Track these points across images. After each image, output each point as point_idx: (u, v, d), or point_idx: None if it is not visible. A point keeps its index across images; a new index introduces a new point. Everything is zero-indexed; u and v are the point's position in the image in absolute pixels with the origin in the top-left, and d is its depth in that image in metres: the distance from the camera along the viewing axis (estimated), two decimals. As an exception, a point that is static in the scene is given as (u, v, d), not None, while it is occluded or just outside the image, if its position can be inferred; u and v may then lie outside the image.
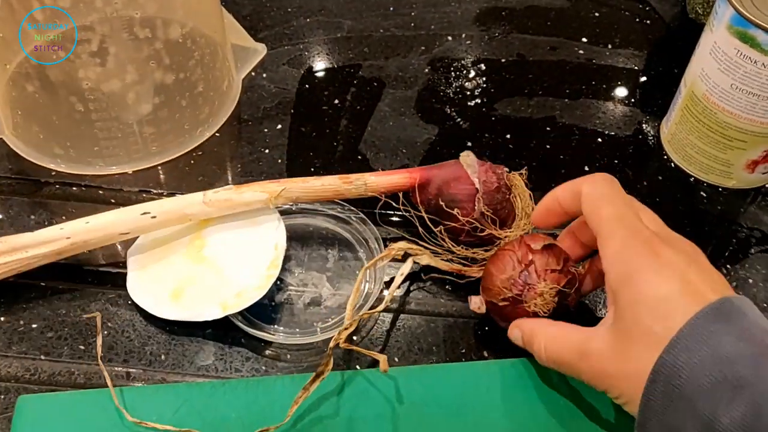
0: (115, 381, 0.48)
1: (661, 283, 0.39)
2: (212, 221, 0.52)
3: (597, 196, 0.44)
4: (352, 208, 0.55)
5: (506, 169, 0.53)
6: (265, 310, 0.51)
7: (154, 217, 0.51)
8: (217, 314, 0.48)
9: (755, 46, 0.51)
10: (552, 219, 0.48)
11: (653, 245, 0.40)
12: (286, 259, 0.53)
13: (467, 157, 0.53)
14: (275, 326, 0.50)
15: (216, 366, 0.49)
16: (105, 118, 0.56)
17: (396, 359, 0.49)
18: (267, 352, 0.49)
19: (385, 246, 0.53)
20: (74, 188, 0.58)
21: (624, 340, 0.39)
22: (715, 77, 0.55)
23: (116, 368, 0.48)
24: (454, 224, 0.51)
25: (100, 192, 0.58)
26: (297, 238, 0.55)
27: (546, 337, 0.44)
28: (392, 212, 0.55)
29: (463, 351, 0.50)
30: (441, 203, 0.51)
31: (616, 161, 0.62)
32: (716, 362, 0.35)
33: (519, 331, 0.46)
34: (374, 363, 0.47)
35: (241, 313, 0.49)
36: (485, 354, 0.50)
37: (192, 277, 0.50)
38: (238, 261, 0.51)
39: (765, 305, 0.53)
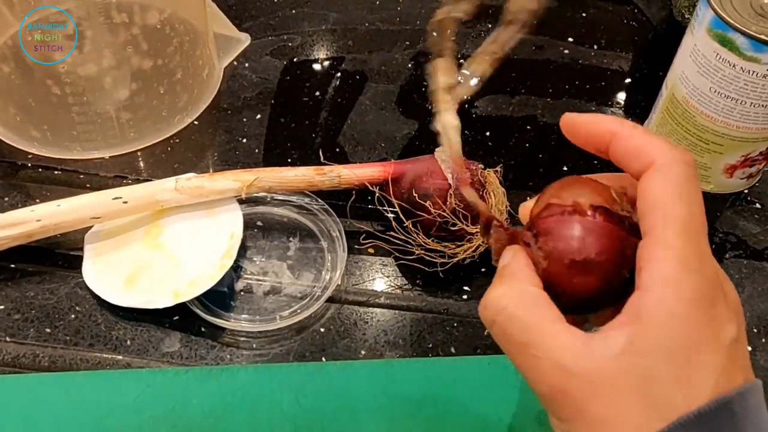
0: (80, 365, 0.48)
1: (706, 352, 0.30)
2: (171, 209, 0.52)
3: (675, 182, 0.32)
4: (317, 198, 0.55)
5: (481, 165, 0.52)
6: (225, 298, 0.51)
7: (125, 202, 0.51)
8: (169, 302, 0.48)
9: (734, 49, 0.51)
10: (581, 140, 0.36)
11: (712, 291, 0.31)
12: (247, 247, 0.53)
13: (442, 153, 0.52)
14: (234, 314, 0.50)
15: (181, 353, 0.48)
16: (82, 102, 0.56)
17: (362, 352, 0.49)
18: (232, 340, 0.49)
19: (349, 240, 0.53)
20: (51, 172, 0.58)
21: (627, 381, 0.30)
22: (695, 80, 0.54)
23: (81, 352, 0.48)
24: (426, 216, 0.51)
25: (77, 176, 0.58)
26: (259, 227, 0.55)
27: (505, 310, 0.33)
28: (365, 205, 0.55)
29: (430, 346, 0.50)
30: (414, 197, 0.51)
31: (596, 162, 0.61)
32: None
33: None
34: (336, 357, 0.48)
35: (200, 300, 0.49)
36: (452, 350, 0.50)
37: (146, 264, 0.50)
38: (193, 249, 0.50)
39: (736, 310, 0.53)
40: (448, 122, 0.35)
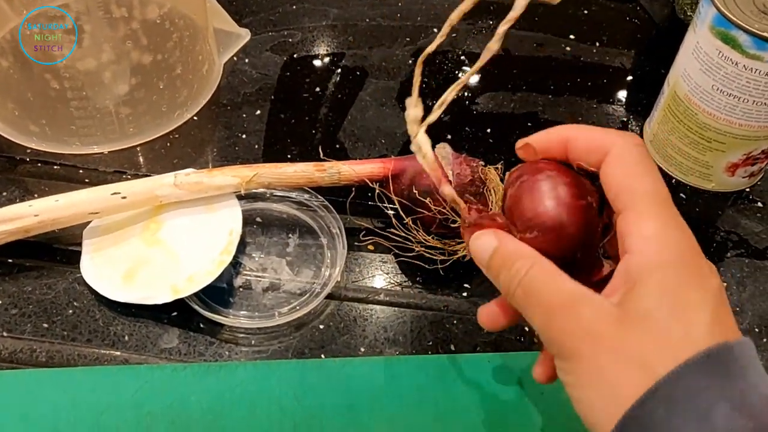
0: (77, 360, 0.47)
1: (694, 295, 0.33)
2: (170, 205, 0.52)
3: (631, 162, 0.36)
4: (317, 195, 0.54)
5: (482, 162, 0.52)
6: (224, 294, 0.51)
7: (124, 197, 0.50)
8: (168, 298, 0.48)
9: (736, 47, 0.50)
10: (545, 154, 0.39)
11: (693, 247, 0.34)
12: (246, 243, 0.53)
13: (442, 149, 0.52)
14: (233, 310, 0.50)
15: (179, 349, 0.48)
16: (81, 96, 0.55)
17: (361, 349, 0.49)
18: (231, 336, 0.49)
19: (349, 237, 0.53)
20: (49, 167, 0.58)
21: (628, 322, 0.32)
22: (697, 78, 0.54)
23: (79, 347, 0.48)
24: (425, 213, 0.50)
25: (75, 171, 0.58)
26: (258, 223, 0.55)
27: (538, 265, 0.35)
28: (365, 202, 0.55)
29: (430, 344, 0.50)
30: (414, 193, 0.51)
31: (596, 159, 0.61)
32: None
33: (495, 241, 0.37)
34: (335, 354, 0.47)
35: (199, 296, 0.49)
36: (452, 348, 0.49)
37: (145, 260, 0.50)
38: (191, 245, 0.50)
39: (737, 309, 0.52)
40: (421, 141, 0.39)
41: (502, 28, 0.38)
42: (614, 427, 0.31)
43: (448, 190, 0.40)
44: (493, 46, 0.38)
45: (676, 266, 0.33)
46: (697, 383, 0.30)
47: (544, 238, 0.37)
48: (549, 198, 0.37)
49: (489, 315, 0.40)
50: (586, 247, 0.38)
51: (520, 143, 0.40)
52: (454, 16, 0.38)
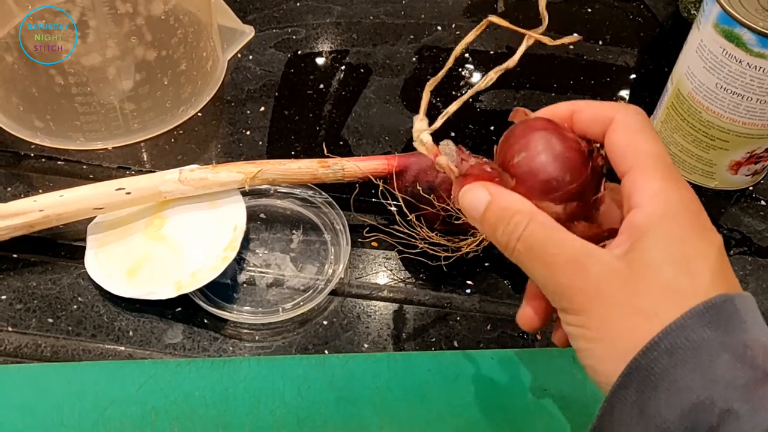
0: (82, 355, 0.48)
1: (698, 246, 0.33)
2: (174, 201, 0.52)
3: (635, 128, 0.36)
4: (321, 191, 0.55)
5: (485, 159, 0.52)
6: (228, 289, 0.51)
7: (128, 193, 0.51)
8: (172, 293, 0.48)
9: (740, 45, 0.50)
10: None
11: (697, 204, 0.35)
12: (250, 239, 0.53)
13: (446, 146, 0.52)
14: (237, 306, 0.50)
15: (184, 344, 0.48)
16: (85, 92, 0.55)
17: (365, 345, 0.49)
18: (234, 332, 0.49)
19: (352, 231, 0.53)
20: (53, 162, 0.58)
21: (635, 274, 0.33)
22: (701, 76, 0.54)
23: (84, 342, 0.48)
24: (429, 210, 0.50)
25: (80, 167, 0.58)
26: (262, 219, 0.55)
27: (536, 219, 0.35)
28: (368, 199, 0.55)
29: (433, 340, 0.50)
30: (418, 190, 0.51)
31: (599, 157, 0.61)
32: (704, 382, 0.30)
33: (487, 195, 0.36)
34: (338, 350, 0.47)
35: (203, 292, 0.49)
36: (455, 344, 0.49)
37: (149, 255, 0.50)
38: (196, 241, 0.50)
39: (740, 306, 0.53)
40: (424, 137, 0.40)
41: (495, 74, 0.40)
42: (619, 376, 0.31)
43: (442, 160, 0.40)
44: (485, 82, 0.40)
45: (681, 219, 0.34)
46: (700, 334, 0.31)
47: (540, 186, 0.36)
48: (542, 147, 0.37)
49: (523, 317, 0.40)
50: (582, 200, 0.37)
51: (514, 111, 0.41)
52: (458, 49, 0.39)
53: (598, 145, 0.37)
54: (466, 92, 0.40)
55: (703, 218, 0.34)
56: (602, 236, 0.37)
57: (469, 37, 0.39)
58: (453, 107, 0.40)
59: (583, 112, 0.38)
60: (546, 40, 0.40)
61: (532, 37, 0.40)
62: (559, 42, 0.39)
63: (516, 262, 0.36)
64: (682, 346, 0.30)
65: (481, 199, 0.36)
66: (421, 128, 0.40)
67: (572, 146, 0.37)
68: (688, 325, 0.31)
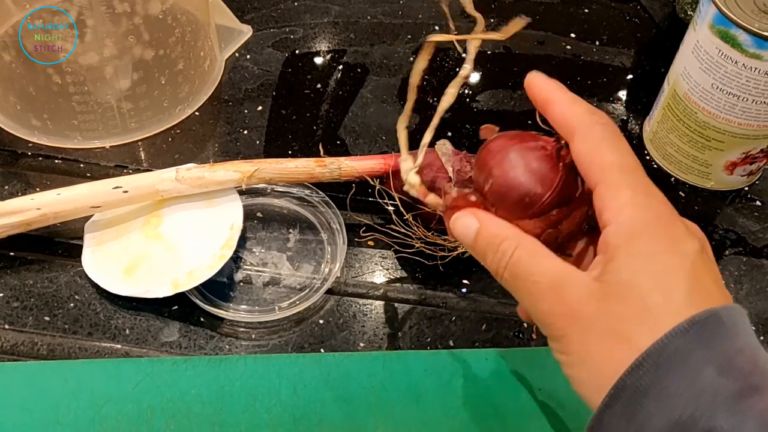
0: (78, 353, 0.48)
1: (670, 260, 0.32)
2: (171, 200, 0.52)
3: (597, 138, 0.35)
4: (318, 190, 0.55)
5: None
6: (224, 288, 0.51)
7: (125, 191, 0.51)
8: (168, 292, 0.48)
9: (736, 46, 0.51)
10: (535, 102, 0.39)
11: (668, 212, 0.34)
12: (247, 238, 0.53)
13: (443, 146, 0.52)
14: (234, 304, 0.50)
15: (180, 343, 0.48)
16: (83, 91, 0.56)
17: (361, 344, 0.49)
18: (231, 330, 0.49)
19: (348, 231, 0.53)
20: (51, 161, 0.58)
21: (608, 296, 0.32)
22: (697, 76, 0.54)
23: (80, 341, 0.48)
24: (426, 209, 0.51)
25: (77, 165, 0.58)
26: (259, 218, 0.55)
27: (522, 246, 0.35)
28: (365, 198, 0.55)
29: (429, 340, 0.50)
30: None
31: (596, 157, 0.62)
32: (692, 393, 0.30)
33: (476, 222, 0.37)
34: (334, 349, 0.48)
35: (199, 290, 0.49)
36: (450, 344, 0.50)
37: (146, 254, 0.50)
38: (192, 239, 0.51)
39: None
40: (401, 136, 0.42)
41: (455, 88, 0.42)
42: (606, 396, 0.31)
43: (431, 200, 0.41)
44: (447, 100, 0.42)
45: (650, 234, 0.33)
46: (682, 349, 0.30)
47: (515, 207, 0.37)
48: (507, 167, 0.37)
49: (523, 311, 0.41)
50: (563, 202, 0.37)
51: (482, 129, 0.42)
52: (415, 79, 0.42)
53: (564, 141, 0.37)
54: (463, 92, 0.41)
55: (675, 228, 0.33)
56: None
57: (420, 64, 0.41)
58: (427, 137, 0.42)
59: (553, 111, 0.37)
60: (494, 35, 0.40)
61: (477, 38, 0.40)
62: (510, 32, 0.40)
63: (506, 287, 0.36)
64: (666, 362, 0.30)
65: (470, 227, 0.37)
66: (408, 168, 0.41)
67: (536, 156, 0.37)
68: (671, 342, 0.30)
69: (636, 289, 0.32)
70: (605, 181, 0.34)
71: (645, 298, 0.32)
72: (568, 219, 0.37)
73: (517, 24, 0.40)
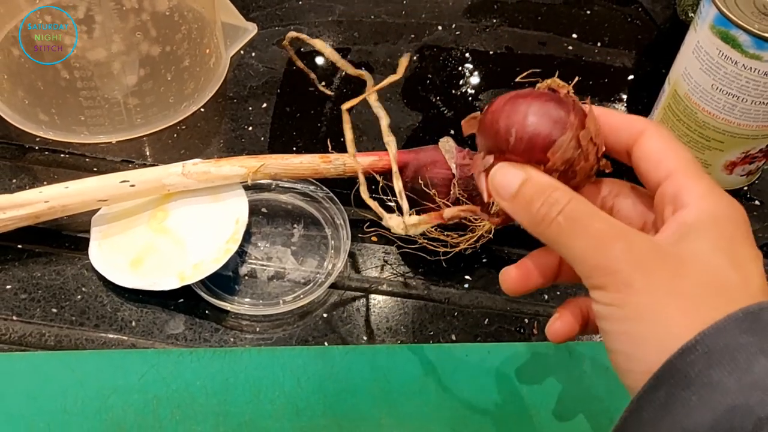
0: (85, 344, 0.48)
1: (748, 250, 0.34)
2: (177, 194, 0.53)
3: (671, 137, 0.37)
4: (322, 186, 0.55)
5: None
6: (230, 281, 0.52)
7: (132, 185, 0.51)
8: (175, 284, 0.49)
9: (736, 47, 0.51)
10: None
11: (744, 212, 0.35)
12: (252, 233, 0.54)
13: (446, 143, 0.53)
14: (238, 298, 0.51)
15: (185, 335, 0.49)
16: (90, 87, 0.56)
17: (364, 338, 0.50)
18: (236, 323, 0.50)
19: (352, 226, 0.54)
20: (57, 155, 0.59)
21: (685, 263, 0.33)
22: (697, 77, 0.55)
23: (87, 332, 0.49)
24: (429, 205, 0.51)
25: (84, 160, 0.59)
26: (264, 213, 0.56)
27: (577, 197, 0.35)
28: (370, 194, 0.56)
29: (432, 334, 0.50)
30: (419, 185, 0.51)
31: (597, 157, 0.62)
32: (741, 386, 0.29)
33: (522, 173, 0.36)
34: (337, 342, 0.48)
35: (205, 284, 0.50)
36: (453, 338, 0.50)
37: (152, 247, 0.51)
38: (198, 233, 0.51)
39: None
40: (413, 220, 0.41)
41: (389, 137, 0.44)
42: (651, 377, 0.31)
43: (449, 213, 0.41)
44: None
45: (731, 221, 0.34)
46: (737, 339, 0.30)
47: (542, 153, 0.37)
48: (532, 113, 0.37)
49: (518, 274, 0.40)
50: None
51: (465, 122, 0.42)
52: (351, 150, 0.44)
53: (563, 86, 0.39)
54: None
55: (748, 225, 0.35)
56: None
57: (349, 134, 0.45)
58: (397, 185, 0.43)
59: (612, 117, 0.38)
60: (391, 79, 0.44)
61: (376, 89, 0.43)
62: (402, 70, 0.43)
63: (549, 236, 0.35)
64: (719, 350, 0.30)
65: (515, 176, 0.36)
66: (397, 222, 0.41)
67: (548, 102, 0.37)
68: (727, 329, 0.30)
69: (716, 264, 0.33)
70: (684, 169, 0.36)
71: (724, 275, 0.32)
72: (585, 160, 0.37)
73: (405, 60, 0.43)
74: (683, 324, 0.31)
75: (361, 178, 0.43)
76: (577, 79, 0.41)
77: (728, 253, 0.33)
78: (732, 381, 0.29)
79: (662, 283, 0.32)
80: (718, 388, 0.29)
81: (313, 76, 0.45)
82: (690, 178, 0.35)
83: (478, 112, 0.42)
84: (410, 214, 0.41)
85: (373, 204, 0.41)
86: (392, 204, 0.53)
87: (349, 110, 0.64)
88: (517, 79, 0.43)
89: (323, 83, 0.66)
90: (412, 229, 0.41)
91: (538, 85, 0.40)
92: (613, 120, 0.38)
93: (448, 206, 0.51)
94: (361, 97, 0.42)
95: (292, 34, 0.42)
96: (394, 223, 0.41)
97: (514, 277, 0.40)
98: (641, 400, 0.31)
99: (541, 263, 0.40)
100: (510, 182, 0.36)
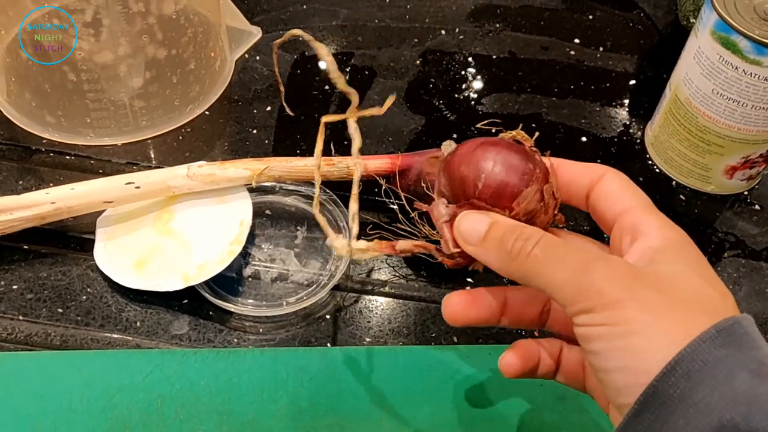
0: (91, 344, 0.49)
1: (710, 270, 0.35)
2: (182, 196, 0.53)
3: (627, 181, 0.40)
4: (326, 189, 0.56)
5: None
6: (234, 283, 0.52)
7: (138, 187, 0.52)
8: (179, 285, 0.49)
9: (737, 52, 0.52)
10: None
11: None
12: (256, 235, 0.54)
13: (449, 146, 0.53)
14: (242, 299, 0.51)
15: (190, 336, 0.50)
16: (97, 89, 0.57)
17: (366, 340, 0.50)
18: (239, 324, 0.50)
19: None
20: (64, 157, 0.59)
21: (664, 282, 0.34)
22: (698, 82, 0.56)
23: (93, 332, 0.49)
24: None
25: (89, 162, 0.59)
26: (268, 215, 0.56)
27: (547, 234, 0.37)
28: (372, 197, 0.56)
29: (434, 335, 0.51)
30: (421, 188, 0.52)
31: (598, 161, 0.63)
32: (726, 402, 0.29)
33: (487, 218, 0.39)
34: (340, 344, 0.49)
35: (209, 285, 0.50)
36: (455, 339, 0.51)
37: (157, 248, 0.51)
38: (203, 235, 0.52)
39: (733, 307, 0.54)
40: (360, 245, 0.42)
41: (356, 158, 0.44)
42: (635, 403, 0.31)
43: (403, 246, 0.43)
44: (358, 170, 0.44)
45: (692, 246, 0.36)
46: (714, 355, 0.30)
47: (509, 201, 0.39)
48: (498, 162, 0.40)
49: (458, 304, 0.41)
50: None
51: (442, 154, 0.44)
52: (317, 162, 0.45)
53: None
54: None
55: (702, 257, 0.37)
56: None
57: (320, 146, 0.45)
58: (353, 206, 0.43)
59: (573, 166, 0.42)
60: (373, 111, 0.44)
61: (354, 117, 0.44)
62: (386, 107, 0.43)
63: (526, 270, 0.36)
64: (698, 369, 0.30)
65: (481, 222, 0.39)
66: (342, 244, 0.42)
67: (511, 152, 0.40)
68: (703, 346, 0.31)
69: (694, 282, 0.34)
70: (642, 206, 0.38)
71: (703, 290, 0.34)
72: (545, 213, 0.40)
73: (390, 100, 0.44)
74: (680, 330, 0.32)
75: (317, 194, 0.43)
76: (537, 134, 0.43)
77: (700, 273, 0.35)
78: (715, 398, 0.30)
79: (650, 297, 0.33)
80: (702, 407, 0.30)
81: (282, 89, 0.46)
82: (647, 212, 0.38)
83: (441, 152, 0.44)
84: (359, 239, 0.42)
85: (322, 221, 0.42)
86: (395, 207, 0.53)
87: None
88: (479, 125, 0.47)
89: (327, 87, 0.67)
90: (358, 254, 0.42)
91: (502, 135, 0.43)
92: (575, 168, 0.42)
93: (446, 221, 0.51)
94: (342, 116, 0.43)
95: (295, 32, 0.43)
96: (339, 244, 0.41)
97: (456, 302, 0.41)
98: (627, 427, 0.31)
99: (485, 301, 0.42)
100: (477, 228, 0.38)
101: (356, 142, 0.43)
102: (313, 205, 0.43)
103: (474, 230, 0.39)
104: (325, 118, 0.43)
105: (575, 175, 0.41)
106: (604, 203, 0.40)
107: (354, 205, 0.42)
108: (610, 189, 0.40)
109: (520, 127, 0.43)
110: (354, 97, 0.42)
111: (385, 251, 0.42)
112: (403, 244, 0.42)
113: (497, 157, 0.40)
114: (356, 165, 0.43)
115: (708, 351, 0.30)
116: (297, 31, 0.42)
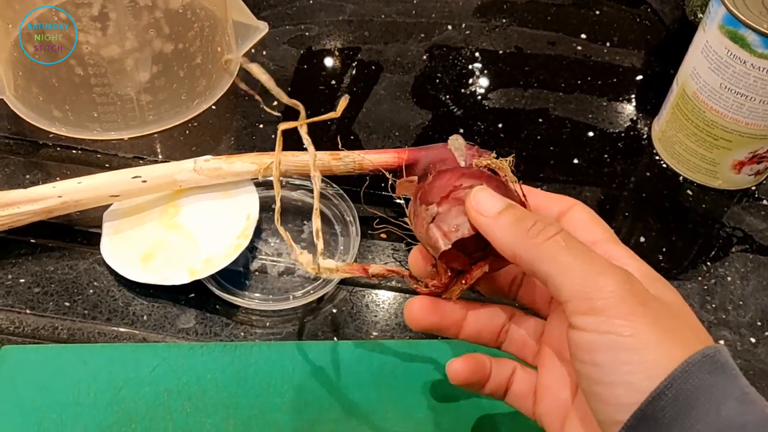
0: (97, 338, 0.49)
1: (680, 298, 0.36)
2: (188, 190, 0.53)
3: (594, 213, 0.41)
4: (332, 183, 0.56)
5: (494, 154, 0.53)
6: (240, 277, 0.52)
7: (144, 181, 0.52)
8: (185, 279, 0.49)
9: (745, 46, 0.52)
10: None
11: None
12: (262, 229, 0.54)
13: (456, 141, 0.53)
14: (249, 293, 0.51)
15: (196, 329, 0.50)
16: (104, 83, 0.57)
17: (373, 333, 0.50)
18: (246, 318, 0.50)
19: (362, 223, 0.54)
20: (71, 151, 0.60)
21: (660, 307, 0.34)
22: (706, 76, 0.55)
23: (99, 326, 0.49)
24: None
25: (96, 156, 0.59)
26: (274, 209, 0.56)
27: (566, 230, 0.36)
28: (378, 192, 0.56)
29: (440, 329, 0.51)
30: (427, 183, 0.52)
31: (605, 156, 0.63)
32: (718, 428, 0.30)
33: (506, 200, 0.38)
34: (347, 338, 0.48)
35: (216, 279, 0.51)
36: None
37: (163, 242, 0.52)
38: (209, 229, 0.52)
39: (740, 303, 0.54)
40: (329, 264, 0.41)
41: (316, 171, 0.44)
42: (623, 428, 0.31)
43: (376, 270, 0.42)
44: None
45: (659, 277, 0.37)
46: (703, 381, 0.30)
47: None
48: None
49: (420, 309, 0.42)
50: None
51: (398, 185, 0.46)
52: (276, 173, 0.44)
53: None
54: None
55: (673, 292, 0.37)
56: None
57: (279, 155, 0.45)
58: (316, 222, 0.42)
59: (544, 195, 0.43)
60: (330, 115, 0.44)
61: (307, 122, 0.45)
62: (340, 110, 0.44)
63: (542, 251, 0.35)
64: (688, 394, 0.30)
65: (498, 199, 0.38)
66: (307, 260, 0.41)
67: (489, 179, 0.41)
68: (691, 372, 0.31)
69: (683, 308, 0.36)
70: (609, 238, 0.39)
71: (688, 317, 0.35)
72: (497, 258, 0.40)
73: (344, 102, 0.44)
74: (681, 352, 0.31)
75: (278, 206, 0.42)
76: (512, 160, 0.45)
77: (676, 301, 0.36)
78: (704, 427, 0.30)
79: (658, 316, 0.33)
80: (698, 426, 0.30)
81: (258, 98, 0.47)
82: (615, 244, 0.39)
83: (415, 177, 0.44)
84: (325, 257, 0.41)
85: (286, 236, 0.41)
86: (401, 201, 0.53)
87: (360, 107, 0.65)
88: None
89: (333, 82, 0.67)
90: (326, 273, 0.41)
91: (476, 161, 0.45)
92: (545, 198, 0.42)
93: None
94: (294, 124, 0.44)
95: (247, 64, 0.43)
96: (304, 260, 0.41)
97: (418, 307, 0.41)
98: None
99: (446, 309, 0.42)
100: (493, 201, 0.38)
101: (310, 153, 0.43)
102: (275, 220, 0.42)
103: (490, 201, 0.38)
104: (282, 126, 0.43)
105: (545, 204, 0.42)
106: (573, 232, 0.38)
107: (317, 221, 0.42)
108: (580, 219, 0.40)
109: (494, 154, 0.45)
110: (300, 108, 0.42)
111: (356, 273, 0.41)
112: (375, 268, 0.42)
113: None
114: (314, 178, 0.42)
115: (697, 375, 0.31)
116: (247, 64, 0.44)
